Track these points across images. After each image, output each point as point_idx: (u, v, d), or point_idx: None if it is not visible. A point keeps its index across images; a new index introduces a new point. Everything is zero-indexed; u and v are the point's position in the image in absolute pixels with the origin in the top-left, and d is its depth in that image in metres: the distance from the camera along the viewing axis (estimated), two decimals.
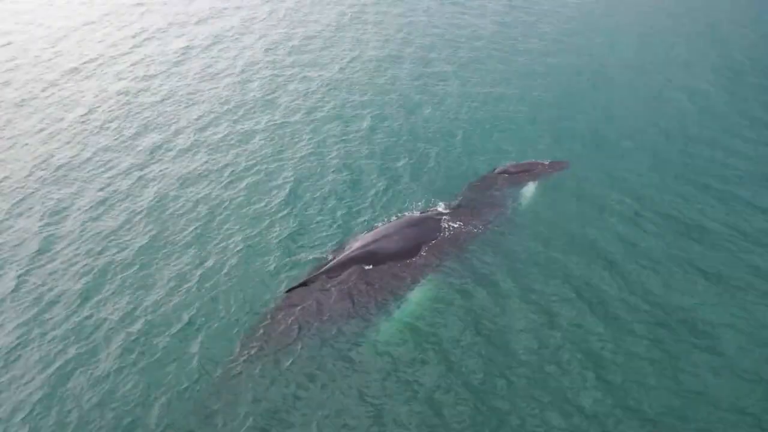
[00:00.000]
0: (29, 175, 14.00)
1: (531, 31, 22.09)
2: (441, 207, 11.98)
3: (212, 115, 16.50)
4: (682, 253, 10.84)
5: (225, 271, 10.70)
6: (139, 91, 18.05)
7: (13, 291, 10.53)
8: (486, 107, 16.44)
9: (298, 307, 9.63)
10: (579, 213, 11.95)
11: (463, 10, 24.19)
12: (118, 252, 11.34)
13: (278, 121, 16.04)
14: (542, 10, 24.22)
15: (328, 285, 9.97)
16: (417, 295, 9.97)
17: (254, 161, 14.25)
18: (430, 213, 11.73)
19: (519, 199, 12.24)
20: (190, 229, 11.92)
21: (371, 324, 9.46)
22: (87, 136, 15.59)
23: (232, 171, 13.89)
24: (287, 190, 13.00)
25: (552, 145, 14.46)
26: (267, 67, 19.43)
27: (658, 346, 9.01)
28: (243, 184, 13.34)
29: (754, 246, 10.99)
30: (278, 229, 11.76)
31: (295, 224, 11.87)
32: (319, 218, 12.05)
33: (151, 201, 12.83)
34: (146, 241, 11.59)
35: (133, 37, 22.28)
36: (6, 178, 13.97)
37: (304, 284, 9.92)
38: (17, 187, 13.57)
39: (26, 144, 15.42)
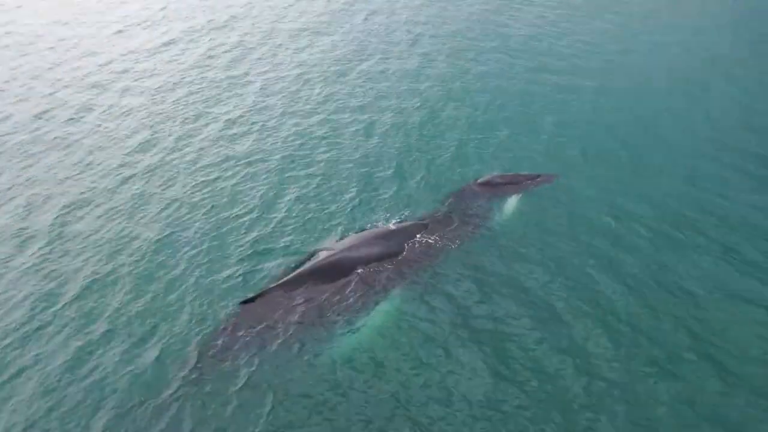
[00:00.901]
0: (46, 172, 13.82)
1: (544, 37, 21.52)
2: (416, 218, 11.47)
3: (220, 117, 16.19)
4: (672, 277, 10.15)
5: (180, 278, 10.21)
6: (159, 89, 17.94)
7: None
8: (486, 116, 15.84)
9: (251, 321, 9.16)
10: (561, 229, 11.32)
11: (480, 13, 23.79)
12: (91, 255, 10.93)
13: (271, 124, 15.65)
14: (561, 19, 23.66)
15: (285, 297, 9.48)
16: (380, 311, 9.46)
17: (236, 163, 13.82)
18: (402, 225, 11.20)
19: (499, 212, 11.67)
20: (156, 228, 11.55)
21: (328, 339, 8.95)
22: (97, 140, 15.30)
23: (209, 172, 13.50)
24: (262, 195, 12.53)
25: (546, 158, 13.83)
26: (288, 69, 19.23)
27: (632, 380, 8.37)
28: (220, 186, 12.92)
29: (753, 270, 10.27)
30: (244, 235, 11.28)
31: (264, 231, 11.40)
32: (290, 225, 11.55)
33: (130, 201, 12.46)
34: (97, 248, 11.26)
35: (160, 37, 22.30)
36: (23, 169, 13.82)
37: (259, 296, 9.46)
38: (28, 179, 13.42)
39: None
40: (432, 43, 21.06)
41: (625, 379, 8.35)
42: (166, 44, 21.51)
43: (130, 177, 13.38)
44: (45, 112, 16.46)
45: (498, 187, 12.22)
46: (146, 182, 13.18)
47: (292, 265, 10.32)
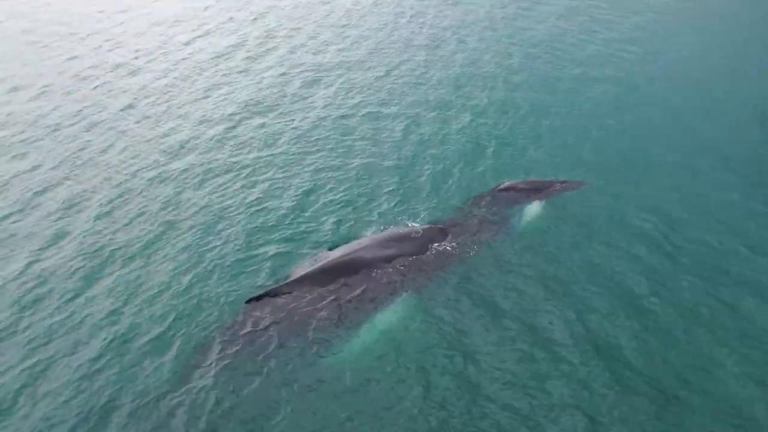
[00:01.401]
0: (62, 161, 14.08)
1: (590, 42, 20.85)
2: (436, 222, 11.17)
3: (245, 113, 16.22)
4: (711, 300, 9.49)
5: (204, 274, 10.17)
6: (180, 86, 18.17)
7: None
8: (526, 123, 15.30)
9: (257, 319, 9.03)
10: (583, 238, 10.81)
11: (523, 14, 23.21)
12: (118, 248, 10.98)
13: (310, 122, 15.59)
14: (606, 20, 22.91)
15: (293, 296, 9.30)
16: (388, 314, 9.18)
17: (274, 160, 13.80)
18: (420, 228, 10.90)
19: (521, 219, 11.23)
20: (187, 222, 11.61)
21: (335, 341, 8.71)
22: (122, 130, 15.55)
23: (246, 166, 13.53)
24: (292, 192, 12.43)
25: (579, 165, 13.29)
26: (311, 68, 19.16)
27: (666, 387, 7.94)
28: (253, 182, 12.89)
29: None
30: (273, 230, 11.21)
31: (292, 226, 11.30)
32: (316, 222, 11.41)
33: (164, 197, 12.51)
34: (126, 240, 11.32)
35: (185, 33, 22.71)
36: (40, 161, 14.05)
37: (266, 295, 9.36)
38: (44, 171, 13.63)
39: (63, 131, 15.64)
40: (475, 48, 20.62)
41: (659, 386, 7.94)
42: (206, 39, 21.93)
43: (166, 172, 13.47)
44: (88, 106, 16.84)
45: (521, 193, 11.78)
46: (181, 177, 13.25)
47: (307, 263, 10.17)
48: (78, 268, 10.44)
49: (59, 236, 11.34)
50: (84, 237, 11.27)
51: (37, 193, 12.76)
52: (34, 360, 8.62)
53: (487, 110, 16.01)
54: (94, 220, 11.80)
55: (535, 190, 11.85)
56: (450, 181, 12.68)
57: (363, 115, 15.88)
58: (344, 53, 20.29)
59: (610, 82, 17.66)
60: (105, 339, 8.95)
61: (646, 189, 12.25)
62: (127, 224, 11.64)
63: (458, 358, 8.46)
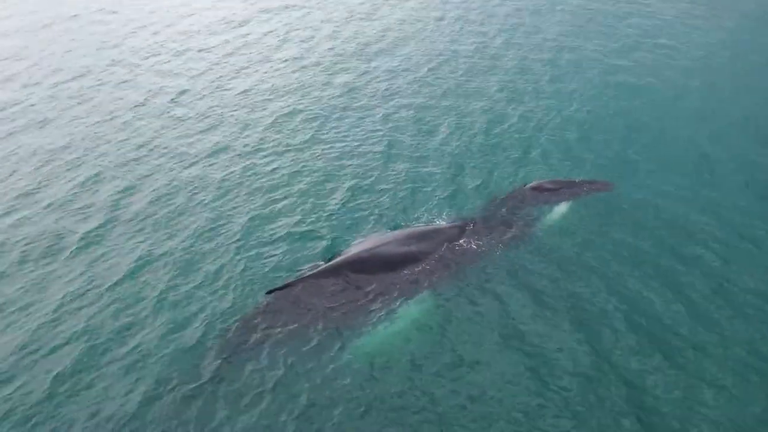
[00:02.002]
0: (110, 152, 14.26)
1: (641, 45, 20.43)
2: (461, 219, 11.05)
3: (288, 109, 16.23)
4: (738, 294, 9.26)
5: (224, 263, 10.24)
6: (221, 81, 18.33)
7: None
8: (555, 121, 15.05)
9: (277, 311, 9.04)
10: (610, 240, 10.57)
11: (570, 16, 22.89)
12: (146, 234, 11.14)
13: (334, 117, 15.62)
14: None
15: (313, 290, 9.28)
16: (407, 311, 9.10)
17: (295, 153, 13.86)
18: (443, 225, 10.82)
19: (547, 219, 11.05)
20: (210, 211, 11.74)
21: (352, 336, 8.67)
22: (163, 124, 15.69)
23: (269, 160, 13.59)
24: (315, 185, 12.51)
25: (610, 165, 13.05)
26: (356, 63, 19.19)
27: (687, 400, 7.70)
28: (277, 174, 12.98)
29: None
30: (294, 221, 11.27)
31: (313, 219, 11.32)
32: (337, 216, 11.43)
33: (189, 184, 12.70)
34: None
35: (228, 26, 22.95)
36: (83, 155, 14.17)
37: (286, 287, 9.36)
38: (92, 163, 13.75)
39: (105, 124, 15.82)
40: (505, 46, 20.36)
41: (677, 396, 7.74)
42: (242, 33, 22.13)
43: (193, 159, 13.65)
44: (120, 99, 17.10)
45: (548, 193, 11.57)
46: (207, 165, 13.41)
47: (327, 257, 10.15)
48: (113, 258, 10.60)
49: (84, 219, 11.53)
50: (116, 227, 11.45)
51: (63, 172, 13.10)
52: (53, 342, 8.79)
53: (518, 111, 15.77)
54: (122, 205, 12.02)
55: (562, 190, 11.64)
56: (477, 179, 12.53)
57: (398, 114, 15.76)
58: (386, 51, 20.22)
59: (645, 86, 17.24)
60: (126, 327, 9.05)
61: (675, 193, 11.93)
62: (154, 210, 11.83)
63: (474, 357, 8.37)
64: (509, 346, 8.55)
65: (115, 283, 9.89)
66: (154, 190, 12.50)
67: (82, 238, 10.98)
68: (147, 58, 20.09)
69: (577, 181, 12.00)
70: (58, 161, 13.76)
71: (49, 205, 12.04)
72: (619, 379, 7.99)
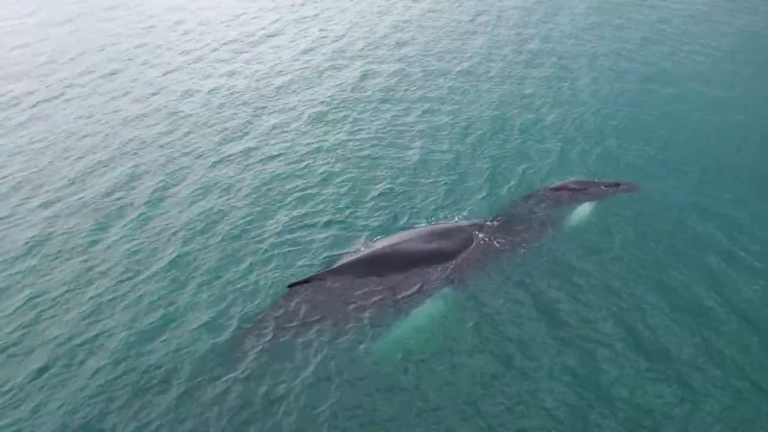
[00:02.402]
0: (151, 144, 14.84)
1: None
2: (484, 218, 11.12)
3: (322, 108, 16.54)
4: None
5: (245, 255, 10.53)
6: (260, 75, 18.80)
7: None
8: (590, 123, 14.97)
9: (298, 304, 9.25)
10: (634, 243, 10.47)
11: (608, 19, 22.69)
12: (179, 229, 11.48)
13: (366, 116, 15.82)
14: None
15: (334, 284, 9.49)
16: (427, 309, 9.20)
17: (328, 151, 14.14)
18: (465, 223, 10.90)
19: (570, 220, 11.02)
20: (243, 207, 12.02)
21: (372, 331, 8.80)
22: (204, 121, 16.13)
23: (302, 153, 13.95)
24: (347, 182, 12.69)
25: (643, 166, 12.96)
26: (389, 61, 19.44)
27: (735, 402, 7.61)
28: (309, 172, 13.24)
29: None
30: (325, 217, 11.52)
31: (343, 215, 11.55)
32: (366, 212, 11.64)
33: (222, 181, 13.05)
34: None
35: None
36: (118, 152, 14.67)
37: (307, 281, 9.59)
38: (132, 157, 14.29)
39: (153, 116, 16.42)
40: (540, 46, 20.32)
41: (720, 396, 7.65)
42: (273, 32, 22.68)
43: (227, 155, 14.05)
44: (156, 93, 17.71)
45: (572, 192, 11.55)
46: (241, 162, 13.74)
47: (350, 253, 10.33)
48: (136, 246, 10.99)
49: (119, 215, 11.95)
50: (142, 216, 11.86)
51: (99, 168, 13.60)
52: (90, 334, 9.11)
53: (542, 111, 15.76)
54: (156, 201, 12.46)
55: (586, 191, 11.60)
56: (501, 179, 12.59)
57: (432, 113, 15.89)
58: (420, 51, 20.35)
59: (682, 93, 16.93)
60: (151, 319, 9.32)
61: (703, 195, 11.75)
62: (185, 206, 12.20)
63: (494, 356, 8.40)
64: (532, 342, 8.59)
65: (150, 276, 10.21)
66: (188, 186, 12.89)
67: (117, 233, 11.40)
68: (178, 54, 20.73)
69: (601, 181, 11.94)
70: (93, 158, 14.28)
71: (84, 200, 12.54)
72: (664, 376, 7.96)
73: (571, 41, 20.59)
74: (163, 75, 19.02)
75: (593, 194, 11.54)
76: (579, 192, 11.57)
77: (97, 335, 9.04)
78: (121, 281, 10.11)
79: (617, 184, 11.84)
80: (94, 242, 11.19)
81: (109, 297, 9.78)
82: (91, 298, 9.80)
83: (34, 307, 9.61)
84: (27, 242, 11.16)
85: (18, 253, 10.86)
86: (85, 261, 10.70)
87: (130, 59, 20.44)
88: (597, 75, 17.81)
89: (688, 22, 22.18)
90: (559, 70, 18.24)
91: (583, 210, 11.19)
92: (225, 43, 21.77)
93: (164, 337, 8.96)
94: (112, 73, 19.34)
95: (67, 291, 9.97)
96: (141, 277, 10.16)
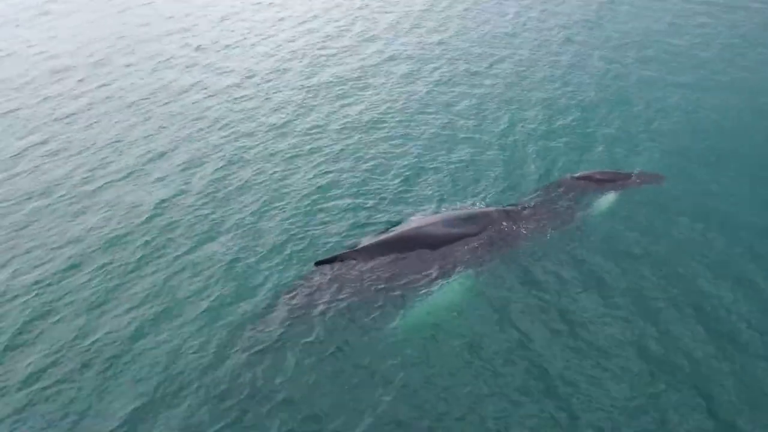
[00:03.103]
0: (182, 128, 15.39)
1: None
2: (507, 204, 11.35)
3: (352, 94, 16.88)
4: None
5: (279, 233, 11.06)
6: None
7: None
8: (638, 120, 14.80)
9: (325, 282, 9.66)
10: (657, 235, 10.55)
11: (636, 13, 22.50)
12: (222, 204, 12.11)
13: (417, 106, 16.02)
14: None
15: (360, 263, 9.86)
16: (450, 290, 9.51)
17: (365, 135, 14.54)
18: (489, 208, 11.14)
19: (593, 209, 11.16)
20: (274, 182, 12.66)
21: (394, 310, 9.16)
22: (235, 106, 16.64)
23: (336, 141, 14.35)
24: (374, 165, 13.14)
25: (661, 158, 12.96)
26: (414, 55, 19.53)
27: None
28: (341, 153, 13.73)
29: None
30: (351, 197, 11.98)
31: (368, 197, 11.97)
32: (392, 194, 12.03)
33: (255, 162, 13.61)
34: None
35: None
36: (157, 131, 15.33)
37: (334, 259, 9.98)
38: (168, 140, 14.88)
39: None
40: (588, 42, 20.07)
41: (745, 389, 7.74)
42: (316, 17, 23.11)
43: (261, 137, 14.61)
44: (198, 82, 18.24)
45: (597, 183, 11.66)
46: (273, 142, 14.33)
47: (375, 234, 10.69)
48: (183, 226, 11.54)
49: (168, 198, 12.51)
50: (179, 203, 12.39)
51: (153, 156, 14.16)
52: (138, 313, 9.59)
53: (571, 103, 15.80)
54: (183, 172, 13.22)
55: (611, 181, 11.70)
56: (526, 167, 12.77)
57: (459, 102, 16.00)
58: (446, 41, 20.45)
59: (710, 86, 16.78)
60: (194, 292, 9.84)
61: (732, 191, 11.70)
62: (218, 181, 12.86)
63: (511, 337, 8.68)
64: (552, 327, 8.84)
65: (185, 252, 10.75)
66: (222, 166, 13.45)
67: (155, 208, 11.99)
68: (217, 40, 21.34)
69: (627, 172, 12.03)
70: (133, 136, 15.00)
71: (125, 176, 13.22)
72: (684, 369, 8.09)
73: (597, 38, 20.38)
74: (195, 65, 19.67)
75: (618, 185, 11.64)
76: (604, 182, 11.67)
77: (133, 306, 9.59)
78: (160, 255, 10.71)
79: (642, 175, 11.92)
80: (133, 216, 11.80)
81: (148, 269, 10.39)
82: (129, 268, 10.44)
83: (110, 264, 10.56)
84: (103, 206, 12.14)
85: (100, 216, 11.84)
86: (125, 233, 11.34)
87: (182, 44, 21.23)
88: (652, 75, 17.47)
89: (718, 21, 21.74)
90: (584, 66, 18.14)
91: (608, 199, 11.31)
92: (260, 28, 22.35)
93: (196, 307, 9.48)
94: (153, 60, 20.16)
95: (105, 261, 10.62)
96: (176, 254, 10.70)
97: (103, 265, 10.49)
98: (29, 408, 8.01)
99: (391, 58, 19.11)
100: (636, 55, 18.55)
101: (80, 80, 18.51)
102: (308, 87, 17.30)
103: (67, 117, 16.24)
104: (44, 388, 8.26)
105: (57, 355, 8.76)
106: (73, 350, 8.85)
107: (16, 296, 9.93)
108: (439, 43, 20.26)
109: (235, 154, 13.91)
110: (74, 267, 10.53)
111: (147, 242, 11.02)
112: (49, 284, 10.14)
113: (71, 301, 9.77)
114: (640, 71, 17.44)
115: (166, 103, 16.79)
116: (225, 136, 14.78)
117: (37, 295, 9.91)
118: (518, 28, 21.37)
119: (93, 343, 8.95)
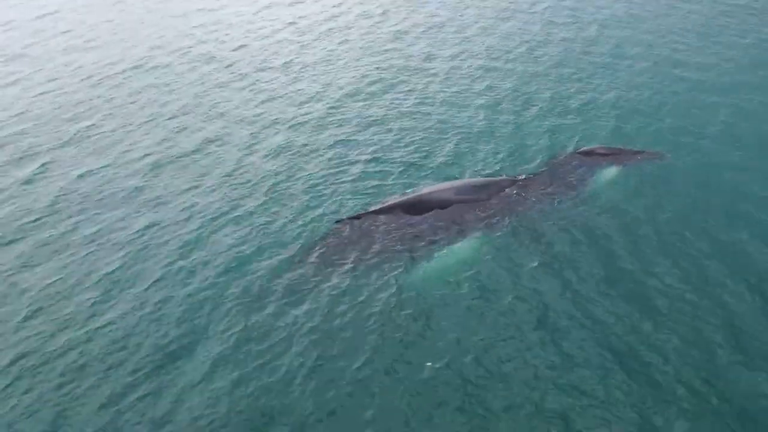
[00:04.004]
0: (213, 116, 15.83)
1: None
2: (515, 175, 12.00)
3: (390, 81, 17.33)
4: None
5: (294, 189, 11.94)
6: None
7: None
8: (614, 92, 15.74)
9: (345, 239, 10.32)
10: (656, 206, 11.15)
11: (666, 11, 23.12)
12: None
13: (449, 93, 16.43)
14: None
15: (377, 223, 10.52)
16: (461, 249, 10.14)
17: (387, 110, 15.40)
18: (500, 178, 11.83)
19: (596, 181, 11.79)
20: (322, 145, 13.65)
21: (409, 266, 9.79)
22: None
23: (363, 116, 15.16)
24: (389, 140, 13.85)
25: (663, 136, 13.62)
26: (458, 39, 20.26)
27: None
28: (362, 126, 14.54)
29: None
30: (365, 166, 12.72)
31: (389, 164, 12.77)
32: (408, 162, 12.82)
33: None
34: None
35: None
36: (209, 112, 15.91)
37: (352, 219, 10.60)
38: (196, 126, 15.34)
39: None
40: (621, 31, 20.67)
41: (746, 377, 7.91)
42: (345, 12, 23.64)
43: (303, 118, 15.27)
44: (232, 64, 18.94)
45: (600, 158, 12.32)
46: (321, 117, 15.17)
47: (393, 197, 11.32)
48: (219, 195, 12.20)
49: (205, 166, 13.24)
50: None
51: (178, 131, 14.84)
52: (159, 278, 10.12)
53: (582, 82, 16.56)
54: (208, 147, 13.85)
55: (613, 156, 12.36)
56: (535, 142, 13.44)
57: (495, 89, 16.44)
58: (483, 31, 20.99)
59: (711, 65, 17.56)
60: (228, 246, 10.52)
61: (731, 169, 12.26)
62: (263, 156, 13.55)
63: (518, 292, 9.29)
64: (557, 280, 9.49)
65: (225, 212, 11.51)
66: (253, 133, 14.44)
67: (199, 176, 12.80)
68: (247, 31, 21.93)
69: (628, 148, 12.71)
70: (171, 116, 15.61)
71: (175, 153, 13.87)
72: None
73: (629, 30, 20.86)
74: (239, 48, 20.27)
75: (620, 160, 12.30)
76: (607, 157, 12.33)
77: (179, 276, 10.08)
78: (202, 215, 11.44)
79: (644, 152, 12.58)
80: (176, 188, 12.46)
81: (193, 236, 10.95)
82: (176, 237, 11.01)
83: (155, 224, 11.25)
84: (134, 189, 12.51)
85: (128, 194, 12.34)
86: (175, 205, 11.90)
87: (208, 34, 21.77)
88: (644, 60, 18.21)
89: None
90: (617, 55, 18.69)
91: (610, 173, 11.96)
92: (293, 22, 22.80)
93: (224, 263, 10.13)
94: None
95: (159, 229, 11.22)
96: (208, 224, 11.29)
97: (152, 224, 11.22)
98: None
99: (429, 48, 19.67)
100: (646, 40, 19.36)
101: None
102: (344, 76, 17.75)
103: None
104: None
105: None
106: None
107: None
108: (478, 32, 20.84)
109: (276, 123, 14.85)
110: (154, 224, 11.26)
111: (194, 204, 11.79)
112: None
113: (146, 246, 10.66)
114: (651, 55, 18.27)
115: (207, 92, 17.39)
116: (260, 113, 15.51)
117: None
118: (552, 18, 22.07)
119: (149, 286, 9.72)
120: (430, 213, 10.71)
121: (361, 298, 9.23)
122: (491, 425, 7.33)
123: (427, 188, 11.33)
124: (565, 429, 7.24)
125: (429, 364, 8.13)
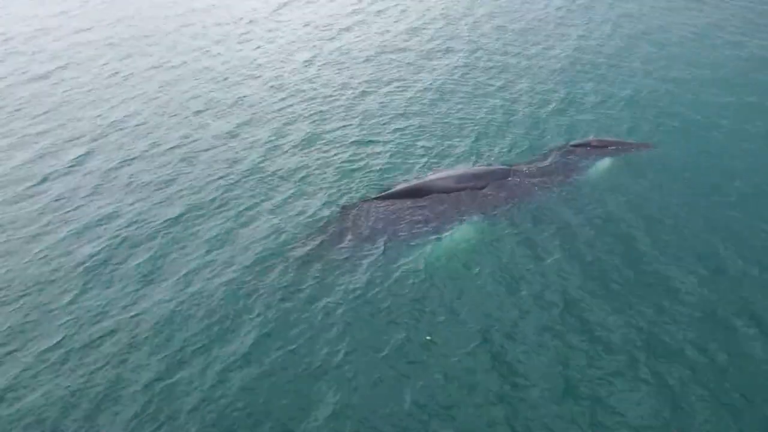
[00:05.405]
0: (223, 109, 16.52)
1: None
2: (512, 163, 12.74)
3: (407, 80, 17.99)
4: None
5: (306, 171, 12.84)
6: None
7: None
8: (608, 86, 16.53)
9: (350, 223, 11.00)
10: (646, 193, 11.85)
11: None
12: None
13: (463, 94, 16.99)
14: None
15: (381, 208, 11.22)
16: (461, 232, 10.79)
17: (397, 102, 16.20)
18: (498, 166, 12.56)
19: (590, 170, 12.49)
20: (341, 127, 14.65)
21: (412, 248, 10.39)
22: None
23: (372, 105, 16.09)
24: (397, 130, 14.62)
25: (653, 129, 14.40)
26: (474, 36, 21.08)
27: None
28: (374, 117, 15.37)
29: None
30: (377, 156, 13.43)
31: (387, 151, 13.60)
32: (416, 152, 13.55)
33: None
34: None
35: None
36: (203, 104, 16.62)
37: (357, 204, 11.33)
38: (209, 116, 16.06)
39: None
40: (629, 27, 21.55)
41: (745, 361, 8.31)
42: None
43: (318, 109, 16.10)
44: (255, 59, 19.71)
45: (593, 149, 13.06)
46: (348, 103, 16.19)
47: (396, 184, 12.04)
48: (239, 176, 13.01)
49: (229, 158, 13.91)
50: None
51: (201, 124, 15.59)
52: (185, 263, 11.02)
53: (578, 77, 17.38)
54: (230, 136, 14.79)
55: (606, 148, 13.09)
56: (531, 132, 14.22)
57: (512, 87, 17.14)
58: (496, 29, 21.86)
59: (700, 63, 18.26)
60: (240, 225, 11.24)
61: (718, 158, 13.01)
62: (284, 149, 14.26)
63: (518, 270, 9.93)
64: (553, 259, 10.16)
65: (231, 198, 12.18)
66: (269, 121, 15.31)
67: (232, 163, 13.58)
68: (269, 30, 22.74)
69: (620, 140, 13.45)
70: (189, 112, 16.30)
71: (201, 144, 14.63)
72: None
73: (639, 29, 21.55)
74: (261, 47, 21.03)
75: (612, 151, 13.05)
76: (600, 148, 13.09)
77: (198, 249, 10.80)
78: (234, 197, 12.24)
79: (634, 144, 13.35)
80: (202, 175, 13.16)
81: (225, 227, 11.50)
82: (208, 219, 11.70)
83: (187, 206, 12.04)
84: (163, 175, 13.25)
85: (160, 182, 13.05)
86: (196, 192, 12.59)
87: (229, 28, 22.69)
88: (641, 60, 18.89)
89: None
90: (626, 55, 19.36)
91: (603, 163, 12.68)
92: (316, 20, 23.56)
93: (241, 240, 10.86)
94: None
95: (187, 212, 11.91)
96: (224, 207, 11.99)
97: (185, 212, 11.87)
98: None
99: (445, 46, 20.37)
100: (643, 38, 20.04)
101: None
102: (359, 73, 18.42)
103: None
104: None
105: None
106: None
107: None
108: (477, 37, 21.47)
109: (295, 116, 15.63)
110: (192, 208, 11.98)
111: (230, 184, 12.64)
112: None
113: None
114: (646, 50, 19.03)
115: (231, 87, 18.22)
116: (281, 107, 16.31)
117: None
118: (564, 19, 22.84)
119: (193, 250, 10.65)
120: (432, 199, 11.41)
121: (360, 279, 9.75)
122: (522, 407, 7.68)
123: (430, 176, 12.06)
124: (592, 407, 7.67)
125: (435, 331, 8.77)
